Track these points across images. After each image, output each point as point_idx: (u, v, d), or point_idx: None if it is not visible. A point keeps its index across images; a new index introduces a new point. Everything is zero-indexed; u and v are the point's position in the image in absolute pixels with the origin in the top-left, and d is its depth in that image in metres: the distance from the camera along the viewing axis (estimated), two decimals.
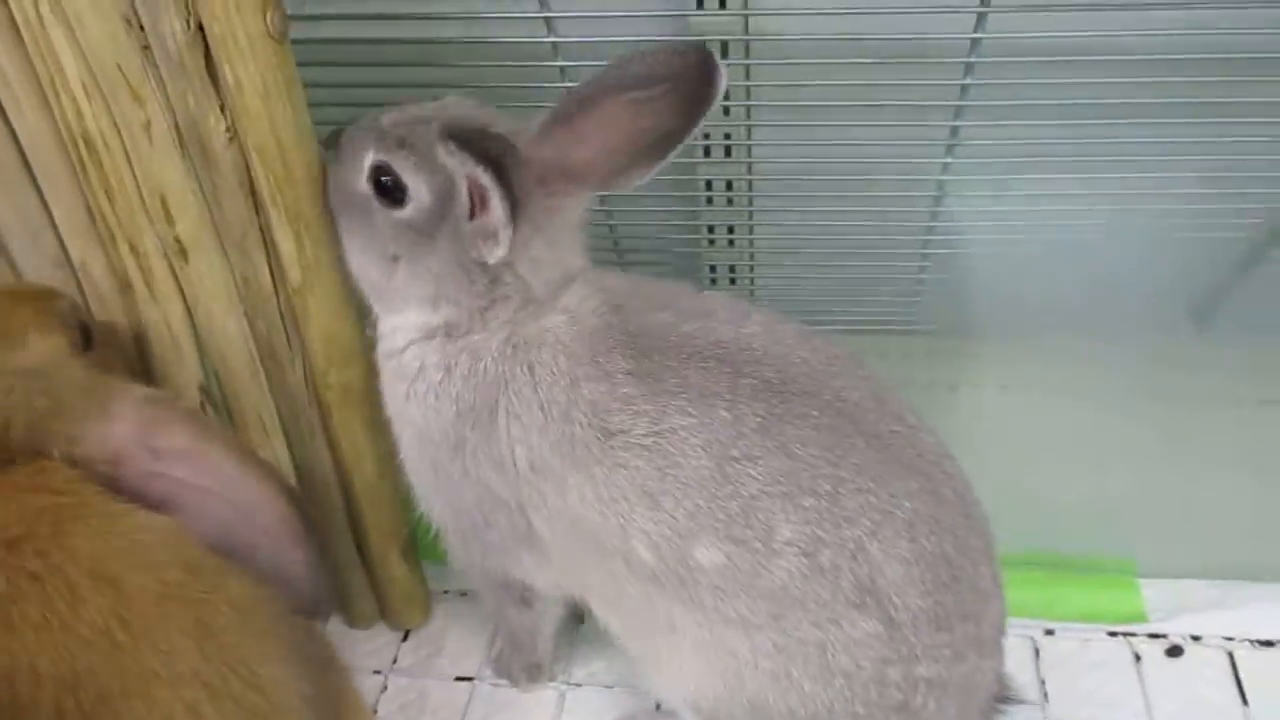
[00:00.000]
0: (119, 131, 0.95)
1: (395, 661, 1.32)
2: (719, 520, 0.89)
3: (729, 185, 1.33)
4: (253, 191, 0.98)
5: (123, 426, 0.87)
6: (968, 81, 1.15)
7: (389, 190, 0.94)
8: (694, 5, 1.13)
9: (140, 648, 0.75)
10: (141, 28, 0.90)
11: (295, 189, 0.98)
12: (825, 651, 0.90)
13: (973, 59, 1.12)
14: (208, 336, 1.09)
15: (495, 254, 0.93)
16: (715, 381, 0.91)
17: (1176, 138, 1.18)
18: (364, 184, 0.95)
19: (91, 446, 0.86)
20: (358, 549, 1.26)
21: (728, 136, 1.27)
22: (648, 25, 1.17)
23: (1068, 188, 1.27)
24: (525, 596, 1.13)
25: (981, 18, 1.09)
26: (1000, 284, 1.41)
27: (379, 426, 1.14)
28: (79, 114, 0.94)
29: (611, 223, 1.38)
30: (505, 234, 0.91)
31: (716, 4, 1.13)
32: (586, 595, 1.05)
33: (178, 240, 1.01)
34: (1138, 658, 1.25)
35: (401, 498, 1.23)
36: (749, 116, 1.23)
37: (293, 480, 1.19)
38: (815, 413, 0.90)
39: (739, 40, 1.16)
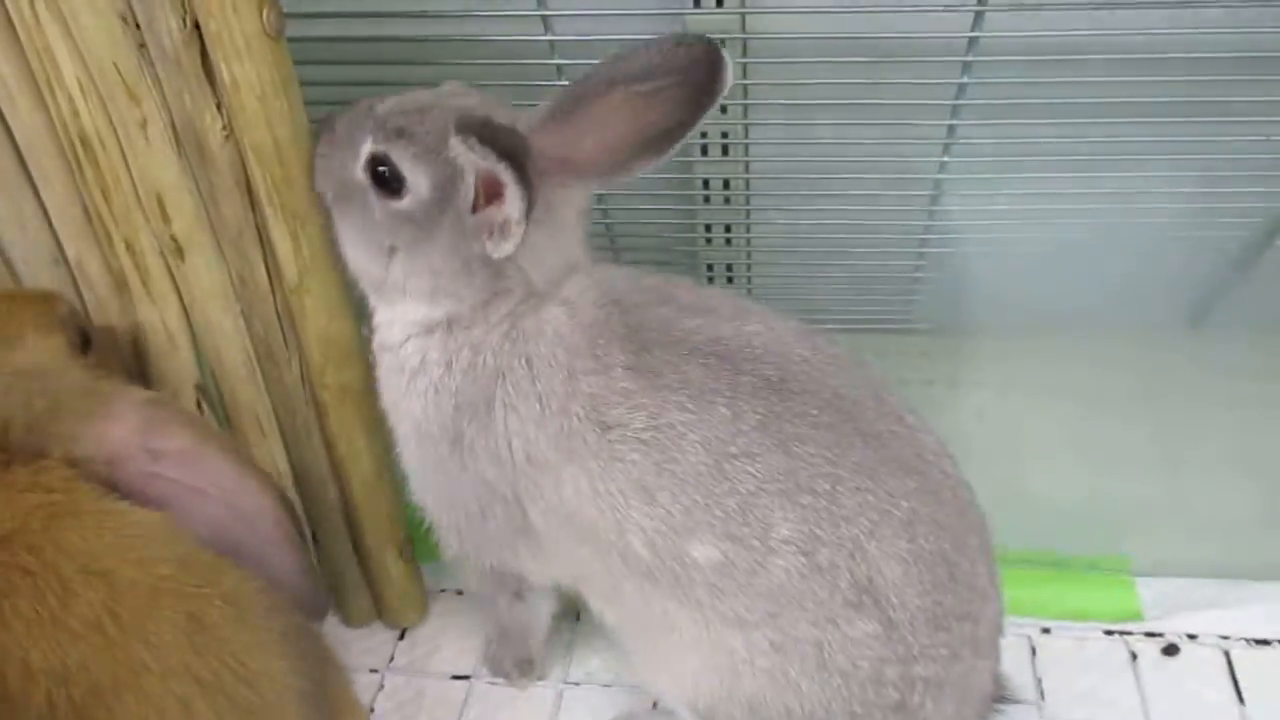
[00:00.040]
0: (115, 130, 0.95)
1: (392, 660, 1.32)
2: (716, 517, 0.89)
3: (726, 184, 1.33)
4: (249, 190, 0.98)
5: (122, 428, 0.87)
6: (965, 80, 1.15)
7: (386, 181, 0.92)
8: (691, 4, 1.13)
9: (131, 641, 0.75)
10: (138, 26, 0.90)
11: (292, 188, 0.98)
12: (822, 650, 0.90)
13: (970, 58, 1.12)
14: (204, 335, 1.09)
15: (504, 249, 0.91)
16: (715, 378, 0.91)
17: (1173, 137, 1.18)
18: (360, 173, 0.94)
19: (90, 447, 0.86)
20: (354, 548, 1.26)
21: (725, 135, 1.27)
22: (644, 24, 1.16)
23: (1064, 187, 1.27)
24: (518, 590, 1.13)
25: (978, 17, 1.09)
26: (997, 283, 1.41)
27: (376, 426, 1.14)
28: (75, 112, 0.94)
29: (608, 221, 1.38)
30: (519, 229, 0.89)
31: (714, 2, 1.13)
32: (582, 588, 1.05)
33: (174, 239, 1.01)
34: (1134, 656, 1.25)
35: (398, 497, 1.23)
36: (746, 115, 1.23)
37: (289, 480, 1.19)
38: (814, 411, 0.90)
39: (736, 39, 1.16)
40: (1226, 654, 1.24)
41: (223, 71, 0.91)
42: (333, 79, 1.15)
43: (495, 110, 0.94)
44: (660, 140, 0.91)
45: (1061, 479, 1.36)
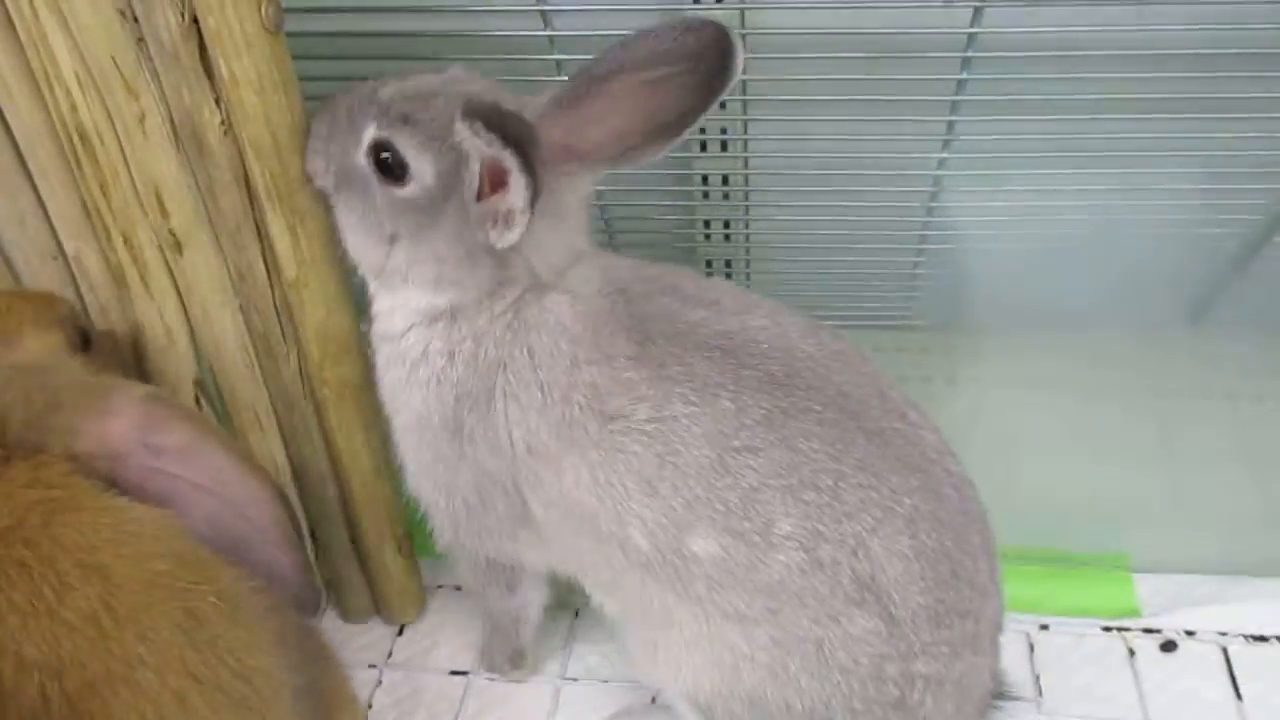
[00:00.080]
0: (113, 124, 0.95)
1: (390, 656, 1.32)
2: (717, 511, 0.89)
3: (725, 179, 1.33)
4: (248, 185, 0.98)
5: (121, 423, 0.87)
6: (964, 76, 1.15)
7: (389, 168, 0.91)
8: (690, 0, 1.13)
9: (127, 635, 0.75)
10: (136, 20, 0.90)
11: (291, 183, 0.98)
12: (823, 647, 0.90)
13: (969, 54, 1.12)
14: (202, 330, 1.08)
15: (508, 239, 0.89)
16: (720, 372, 0.90)
17: (1172, 133, 1.18)
18: (362, 159, 0.92)
19: (90, 442, 0.86)
20: (353, 543, 1.26)
21: (724, 131, 1.27)
22: (644, 19, 1.16)
23: (1063, 183, 1.27)
24: (510, 582, 1.12)
25: (978, 12, 1.09)
26: (996, 279, 1.41)
27: (375, 421, 1.14)
28: (73, 107, 0.94)
29: (607, 217, 1.38)
30: (523, 219, 0.87)
31: None
32: (582, 578, 1.04)
33: (172, 234, 1.01)
34: (1132, 652, 1.25)
35: (397, 492, 1.23)
36: (745, 111, 1.23)
37: (288, 476, 1.19)
38: (819, 407, 0.90)
39: (735, 34, 1.15)
40: (1224, 650, 1.24)
41: (221, 66, 0.91)
42: (331, 74, 1.14)
43: (501, 96, 0.92)
44: (669, 128, 0.90)
45: (1060, 475, 1.36)
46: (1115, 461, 1.39)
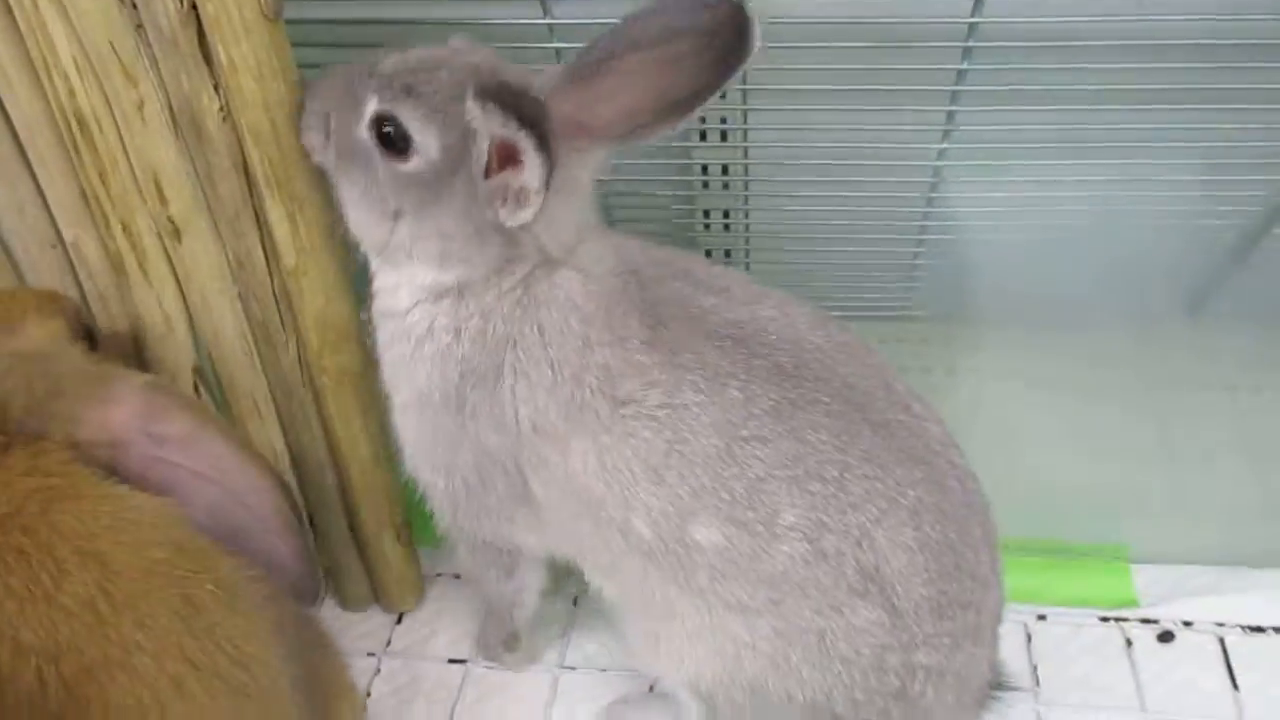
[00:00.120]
0: (112, 111, 0.94)
1: (389, 644, 1.33)
2: (722, 501, 0.88)
3: (725, 169, 1.33)
4: (247, 172, 0.98)
5: (123, 411, 0.87)
6: (964, 66, 1.14)
7: (392, 141, 0.88)
8: None
9: (124, 621, 0.76)
10: (134, 6, 0.90)
11: (290, 170, 0.98)
12: (825, 638, 0.90)
13: (970, 43, 1.12)
14: (201, 318, 1.08)
15: (521, 218, 0.87)
16: (730, 361, 0.90)
17: (1172, 124, 1.18)
18: (364, 133, 0.90)
19: (92, 430, 0.86)
20: (351, 532, 1.26)
21: (724, 120, 1.27)
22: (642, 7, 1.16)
23: (1063, 174, 1.27)
24: (509, 566, 1.11)
25: (978, 2, 1.08)
26: (996, 270, 1.41)
27: (374, 409, 1.14)
28: (71, 93, 0.93)
29: (607, 206, 1.38)
30: (538, 199, 0.85)
31: None
32: (581, 562, 1.04)
33: (171, 221, 1.01)
34: (1129, 643, 1.26)
35: (396, 480, 1.23)
36: (745, 100, 1.23)
37: (287, 463, 1.19)
38: (826, 399, 0.90)
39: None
40: (1221, 641, 1.24)
41: (220, 53, 0.90)
42: (330, 61, 1.14)
43: (506, 70, 0.90)
44: (681, 105, 0.87)
45: (1059, 466, 1.36)
46: (1113, 452, 1.39)
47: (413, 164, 0.89)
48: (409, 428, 1.02)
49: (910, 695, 0.92)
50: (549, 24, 1.15)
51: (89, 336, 1.00)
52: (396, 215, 0.92)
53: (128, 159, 0.97)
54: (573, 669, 1.28)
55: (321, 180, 1.00)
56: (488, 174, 0.87)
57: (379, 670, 1.30)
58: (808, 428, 0.88)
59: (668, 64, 0.86)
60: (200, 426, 0.90)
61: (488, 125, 0.83)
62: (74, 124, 0.95)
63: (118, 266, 1.05)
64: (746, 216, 1.39)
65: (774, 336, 0.92)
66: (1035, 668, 1.23)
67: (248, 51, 0.90)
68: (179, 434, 0.88)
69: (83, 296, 1.09)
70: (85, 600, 0.75)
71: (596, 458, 0.91)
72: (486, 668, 1.29)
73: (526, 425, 0.94)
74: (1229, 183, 1.27)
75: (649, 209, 1.41)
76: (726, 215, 1.40)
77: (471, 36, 0.94)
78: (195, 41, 0.91)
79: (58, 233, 1.06)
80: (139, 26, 0.91)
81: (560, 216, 0.92)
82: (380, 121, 0.89)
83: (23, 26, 0.91)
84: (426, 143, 0.88)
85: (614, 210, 1.39)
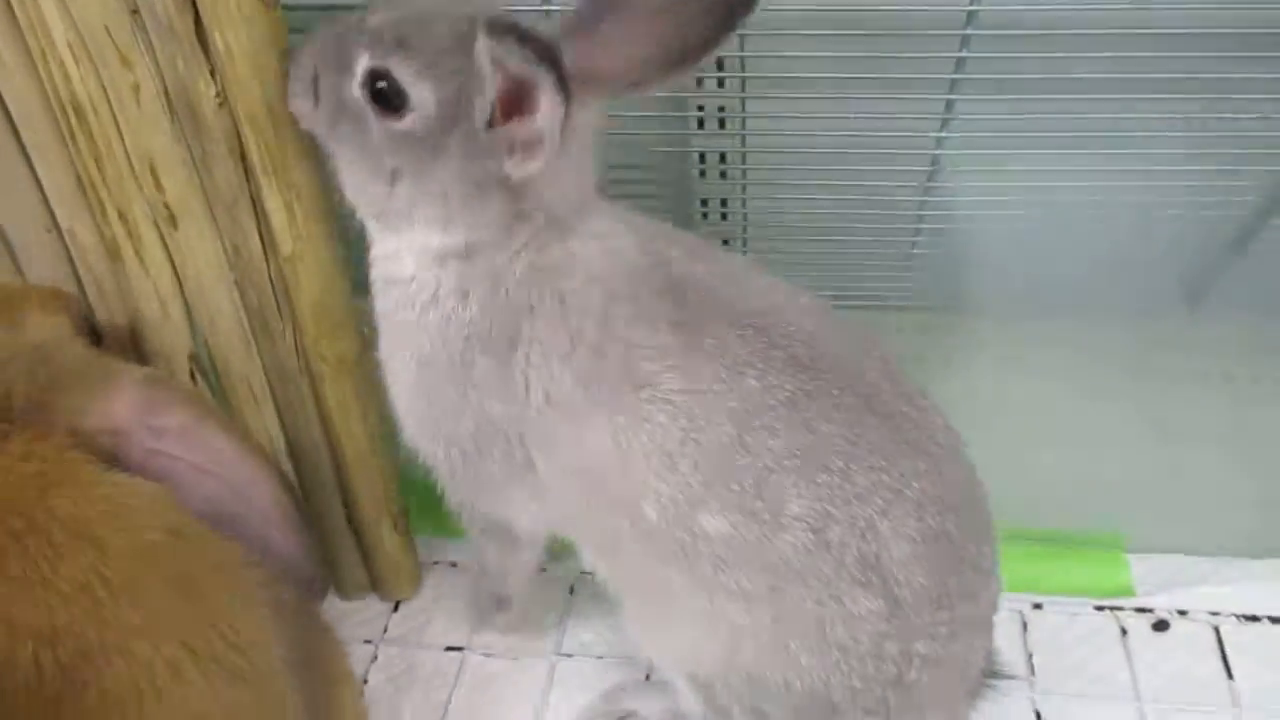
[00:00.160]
0: (107, 96, 0.94)
1: (386, 632, 1.33)
2: (731, 490, 0.88)
3: (722, 158, 1.33)
4: (243, 158, 0.98)
5: (123, 403, 0.88)
6: (963, 54, 1.14)
7: (386, 99, 0.85)
8: None
9: (120, 604, 0.76)
10: None
11: (287, 158, 0.97)
12: (824, 626, 0.90)
13: (968, 31, 1.12)
14: (197, 305, 1.08)
15: (529, 168, 0.85)
16: (750, 350, 0.89)
17: (1171, 114, 1.18)
18: (357, 91, 0.86)
19: (93, 420, 0.86)
20: (348, 520, 1.26)
21: (721, 109, 1.27)
22: None
23: (1062, 164, 1.26)
24: (508, 540, 1.09)
25: None
26: (994, 259, 1.41)
27: (371, 397, 1.14)
28: (66, 78, 0.93)
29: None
30: (552, 144, 0.82)
31: None
32: (579, 540, 1.03)
33: (167, 207, 1.01)
34: (1124, 632, 1.26)
35: (393, 468, 1.23)
36: (743, 89, 1.22)
37: (284, 451, 1.20)
38: (836, 391, 0.89)
39: None
40: (1216, 629, 1.25)
41: (216, 39, 0.90)
42: None
43: (502, 15, 0.86)
44: (686, 56, 0.84)
45: (1055, 456, 1.36)
46: (1110, 442, 1.40)
47: (408, 121, 0.85)
48: (407, 394, 0.98)
49: (907, 683, 0.92)
50: (544, 10, 1.14)
51: (93, 333, 1.01)
52: (394, 177, 0.88)
53: (123, 145, 0.97)
54: (569, 656, 1.28)
55: (319, 167, 1.00)
56: (491, 124, 0.84)
57: (376, 658, 1.30)
58: (819, 419, 0.88)
59: (673, 14, 0.83)
60: (200, 419, 0.91)
61: (504, 60, 0.79)
62: (69, 109, 0.95)
63: (114, 253, 1.05)
64: (744, 205, 1.39)
65: (792, 328, 0.91)
66: (1031, 656, 1.24)
67: (244, 38, 0.90)
68: (178, 426, 0.89)
69: (79, 283, 1.09)
70: (81, 584, 0.75)
71: (610, 438, 0.90)
72: (484, 655, 1.29)
73: (538, 396, 0.91)
74: (1228, 173, 1.27)
75: (646, 197, 1.41)
76: (724, 204, 1.39)
77: None
78: (192, 27, 0.90)
79: (53, 219, 1.05)
80: (134, 11, 0.90)
81: (564, 171, 0.89)
82: (373, 78, 0.85)
83: (18, 10, 0.91)
84: (422, 98, 0.84)
85: (611, 198, 1.39)
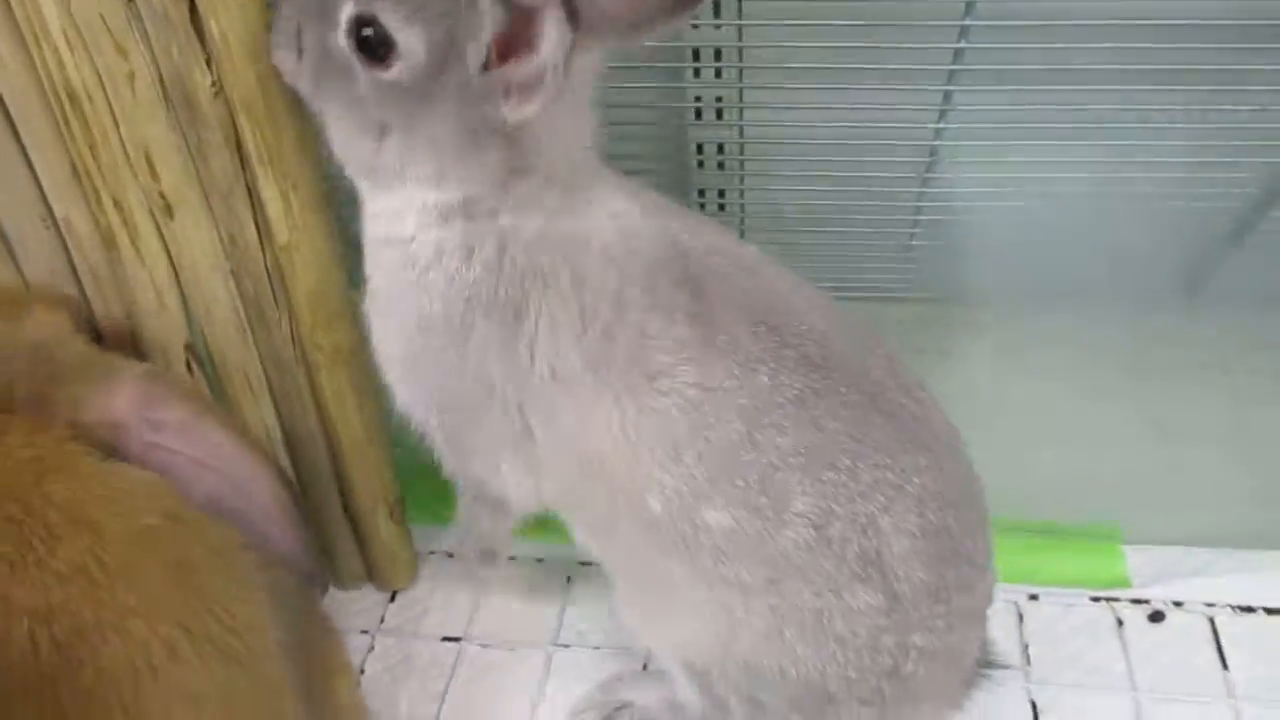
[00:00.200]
0: (102, 84, 0.94)
1: (382, 622, 1.33)
2: (736, 485, 0.87)
3: (720, 149, 1.33)
4: (239, 147, 0.97)
5: (123, 397, 0.88)
6: (962, 45, 1.14)
7: (373, 47, 0.81)
8: None
9: (116, 584, 0.76)
10: None
11: (283, 146, 0.97)
12: (822, 618, 0.90)
13: (967, 22, 1.12)
14: (193, 295, 1.08)
15: (528, 109, 0.81)
16: (763, 347, 0.88)
17: (1170, 105, 1.18)
18: (341, 40, 0.82)
19: (94, 413, 0.87)
20: (345, 510, 1.26)
21: (719, 100, 1.27)
22: None
23: (1060, 155, 1.26)
24: (503, 508, 1.05)
25: None
26: (992, 251, 1.41)
27: (368, 387, 1.14)
28: (60, 64, 0.92)
29: None
30: (554, 80, 0.78)
31: None
32: (573, 519, 1.01)
33: (162, 196, 1.00)
34: (1120, 623, 1.26)
35: (389, 458, 1.23)
36: (741, 79, 1.22)
37: (280, 441, 1.19)
38: (844, 389, 0.89)
39: (731, 1, 1.15)
40: (1212, 621, 1.25)
41: (212, 27, 0.89)
42: None
43: None
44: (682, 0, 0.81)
45: (1052, 447, 1.36)
46: (1107, 434, 1.40)
47: (396, 70, 0.81)
48: (403, 359, 0.95)
49: (903, 674, 0.93)
50: None
51: (93, 332, 1.02)
52: (383, 131, 0.85)
53: (119, 134, 0.97)
54: (566, 646, 1.28)
55: (315, 156, 1.00)
56: (486, 68, 0.80)
57: (373, 648, 1.30)
58: (826, 416, 0.88)
59: None
60: (199, 414, 0.91)
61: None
62: (64, 97, 0.94)
63: (109, 242, 1.04)
64: (742, 196, 1.39)
65: (804, 326, 0.90)
66: (1027, 647, 1.24)
67: (240, 26, 0.89)
68: (177, 420, 0.90)
69: (74, 274, 1.08)
70: (77, 565, 0.76)
71: (618, 424, 0.88)
72: (481, 646, 1.29)
73: (544, 369, 0.89)
74: (1227, 164, 1.27)
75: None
76: (722, 195, 1.39)
77: None
78: (187, 15, 0.90)
79: (49, 208, 1.05)
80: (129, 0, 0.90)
81: (561, 121, 0.86)
82: (358, 25, 0.81)
83: None
84: (411, 45, 0.80)
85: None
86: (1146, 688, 1.19)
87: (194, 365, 1.12)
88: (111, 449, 0.87)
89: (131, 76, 0.93)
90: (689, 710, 1.06)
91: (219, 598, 0.81)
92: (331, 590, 1.36)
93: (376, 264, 0.94)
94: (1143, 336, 1.48)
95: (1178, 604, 1.27)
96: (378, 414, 1.18)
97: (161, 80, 0.94)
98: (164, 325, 1.09)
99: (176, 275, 1.07)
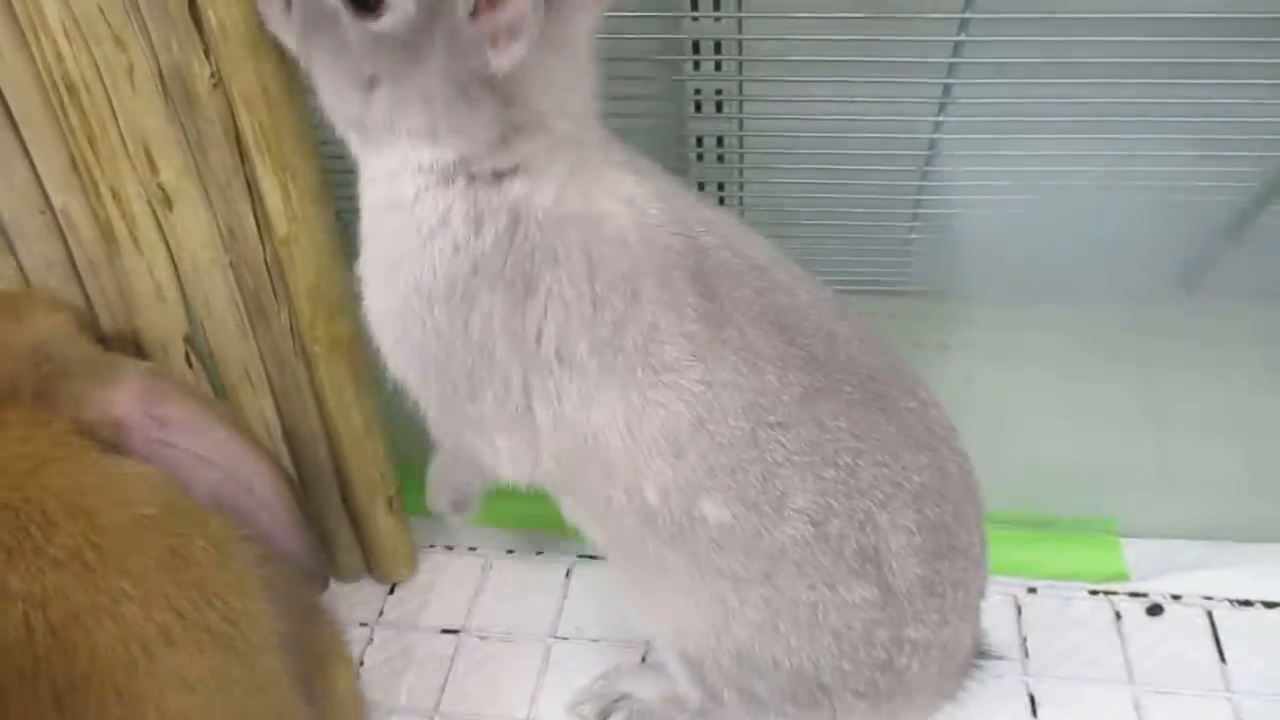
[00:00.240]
0: (101, 76, 0.94)
1: (381, 614, 1.33)
2: (737, 481, 0.88)
3: (719, 142, 1.33)
4: (238, 139, 0.97)
5: (125, 393, 0.89)
6: (961, 39, 1.14)
7: None
8: None
9: (111, 570, 0.77)
10: None
11: (282, 138, 0.97)
12: (816, 611, 0.90)
13: (967, 15, 1.11)
14: (192, 287, 1.08)
15: (510, 55, 0.78)
16: (770, 346, 0.88)
17: (1169, 99, 1.18)
18: None
19: (97, 410, 0.88)
20: (344, 502, 1.27)
21: (719, 93, 1.26)
22: None
23: (1059, 149, 1.26)
24: (485, 471, 1.02)
25: None
26: (991, 244, 1.41)
27: (366, 379, 1.14)
28: (59, 56, 0.92)
29: None
30: (536, 18, 0.76)
31: None
32: (565, 498, 1.00)
33: (161, 188, 1.00)
34: (1118, 616, 1.26)
35: (388, 450, 1.23)
36: (740, 72, 1.22)
37: (279, 434, 1.20)
38: (849, 388, 0.89)
39: None
40: (1209, 614, 1.25)
41: (210, 18, 0.89)
42: None
43: None
44: None
45: (1050, 440, 1.36)
46: (1105, 427, 1.40)
47: (385, 21, 0.79)
48: (400, 327, 0.92)
49: (896, 667, 0.93)
50: None
51: (96, 336, 1.03)
52: (371, 84, 0.82)
53: (117, 125, 0.97)
54: (565, 639, 1.29)
55: (314, 148, 1.00)
56: (475, 14, 0.78)
57: (371, 640, 1.30)
58: (829, 415, 0.88)
59: None
60: (201, 411, 0.92)
61: None
62: (63, 88, 0.94)
63: (108, 234, 1.04)
64: (741, 189, 1.39)
65: (811, 325, 0.90)
66: (1025, 640, 1.24)
67: (239, 17, 0.89)
68: (180, 417, 0.91)
69: (73, 266, 1.08)
70: (73, 551, 0.77)
71: (622, 415, 0.88)
72: (479, 638, 1.29)
73: (550, 350, 0.88)
74: (1226, 158, 1.26)
75: None
76: (721, 188, 1.39)
77: None
78: (185, 6, 0.90)
79: (47, 200, 1.05)
80: None
81: (556, 73, 0.84)
82: None
83: None
84: None
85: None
86: (1144, 681, 1.19)
87: (193, 358, 1.12)
88: (113, 446, 0.87)
89: (130, 68, 0.93)
90: (688, 703, 1.07)
91: (216, 588, 0.81)
92: (331, 582, 1.36)
93: (376, 228, 0.91)
94: (1141, 330, 1.48)
95: (1176, 597, 1.27)
96: (377, 407, 1.18)
97: (160, 72, 0.94)
98: (163, 317, 1.09)
99: (175, 267, 1.07)
